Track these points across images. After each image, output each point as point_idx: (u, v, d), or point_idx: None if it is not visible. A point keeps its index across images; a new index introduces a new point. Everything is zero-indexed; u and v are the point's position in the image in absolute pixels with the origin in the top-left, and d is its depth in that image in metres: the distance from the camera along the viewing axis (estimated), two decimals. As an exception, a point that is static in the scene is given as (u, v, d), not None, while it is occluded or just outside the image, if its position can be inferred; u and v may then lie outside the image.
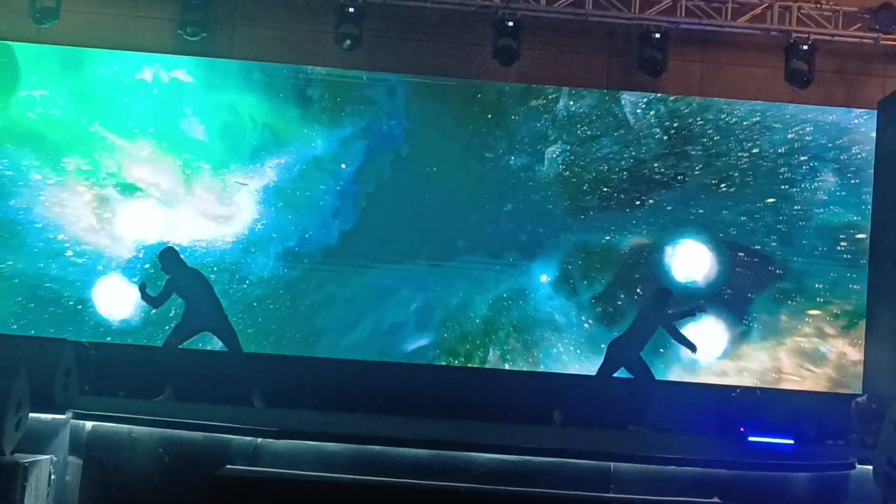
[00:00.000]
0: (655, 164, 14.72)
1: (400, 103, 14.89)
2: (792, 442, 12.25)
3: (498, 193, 14.78)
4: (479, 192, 14.74)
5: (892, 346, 12.81)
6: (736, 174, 14.65)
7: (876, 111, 14.08)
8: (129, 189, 14.54)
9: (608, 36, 14.20)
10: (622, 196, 14.69)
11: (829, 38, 13.86)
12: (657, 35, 13.67)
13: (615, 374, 13.01)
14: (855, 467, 9.40)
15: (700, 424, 12.88)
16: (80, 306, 14.25)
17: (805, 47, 13.65)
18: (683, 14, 13.77)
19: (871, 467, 8.78)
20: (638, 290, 14.64)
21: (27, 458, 8.27)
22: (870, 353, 13.63)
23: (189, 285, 12.59)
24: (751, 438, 12.43)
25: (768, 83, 14.17)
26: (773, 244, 14.63)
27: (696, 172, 14.66)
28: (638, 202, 14.72)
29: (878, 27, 13.72)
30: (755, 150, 14.70)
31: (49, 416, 8.80)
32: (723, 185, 14.66)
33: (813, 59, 13.67)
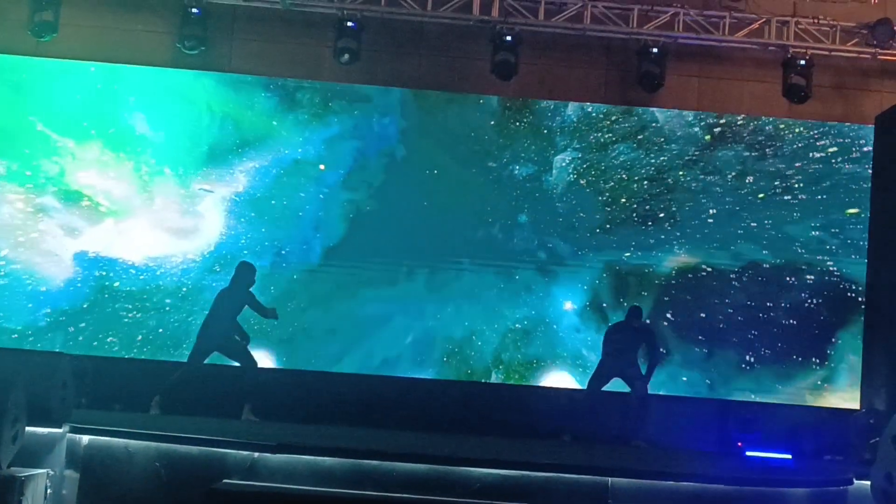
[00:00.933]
0: (688, 171, 13.68)
1: (395, 99, 14.08)
2: (790, 457, 12.24)
3: (510, 202, 13.79)
4: (487, 201, 13.79)
5: (890, 361, 12.79)
6: (801, 179, 13.56)
7: (873, 126, 14.08)
8: (72, 197, 13.58)
9: (606, 50, 14.22)
10: (659, 207, 13.71)
11: (826, 53, 13.91)
12: (655, 50, 13.70)
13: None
14: (853, 483, 9.36)
15: (698, 439, 12.85)
16: (14, 335, 13.09)
17: (803, 62, 13.69)
18: (681, 29, 13.80)
19: (868, 483, 8.75)
20: (672, 318, 13.31)
21: (24, 472, 8.23)
22: (867, 368, 13.60)
23: (230, 303, 12.14)
24: (749, 453, 12.42)
25: (766, 98, 14.20)
26: (857, 266, 13.24)
27: (749, 179, 13.68)
28: (674, 214, 13.67)
29: (875, 42, 13.78)
30: (832, 149, 13.72)
31: (46, 430, 8.78)
32: (783, 192, 13.46)
33: (810, 74, 13.71)
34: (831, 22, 13.84)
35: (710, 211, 13.84)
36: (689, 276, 13.75)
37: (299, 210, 13.71)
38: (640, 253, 13.76)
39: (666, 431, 12.85)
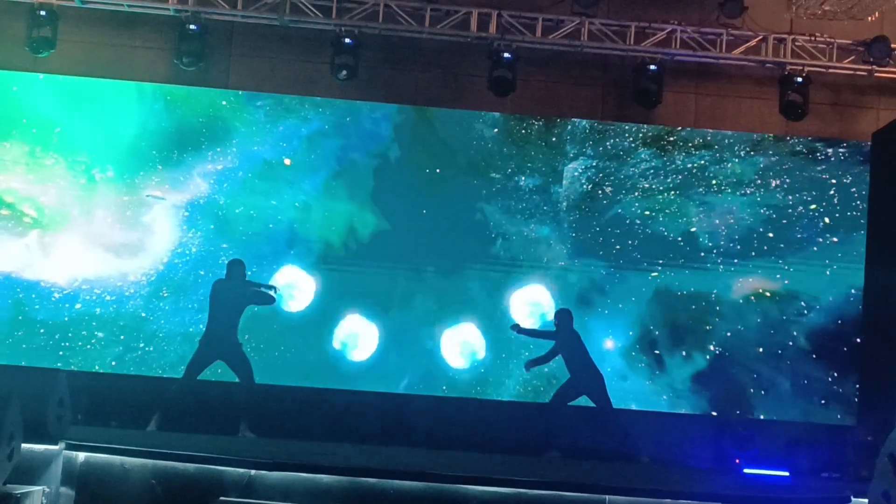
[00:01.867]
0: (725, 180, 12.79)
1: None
2: (787, 474, 12.21)
3: (527, 213, 12.97)
4: (499, 211, 12.97)
5: (887, 377, 12.78)
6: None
7: (870, 143, 14.10)
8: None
9: (603, 68, 14.24)
10: (723, 221, 12.94)
11: (823, 70, 13.93)
12: (652, 67, 13.71)
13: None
14: (850, 500, 9.38)
15: (695, 456, 12.81)
16: None
17: (799, 79, 13.71)
18: (678, 46, 13.82)
19: (866, 500, 8.75)
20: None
21: (19, 489, 8.23)
22: (864, 384, 13.59)
23: (230, 303, 11.67)
24: (746, 471, 12.40)
25: (763, 115, 14.21)
26: None
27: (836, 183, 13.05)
28: (717, 229, 12.79)
29: (871, 60, 13.81)
30: None
31: (42, 447, 8.77)
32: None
33: (807, 92, 13.73)
34: (828, 39, 13.86)
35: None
36: (756, 302, 12.79)
37: (270, 222, 12.59)
38: (724, 278, 12.82)
39: (663, 448, 12.81)
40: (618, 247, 13.07)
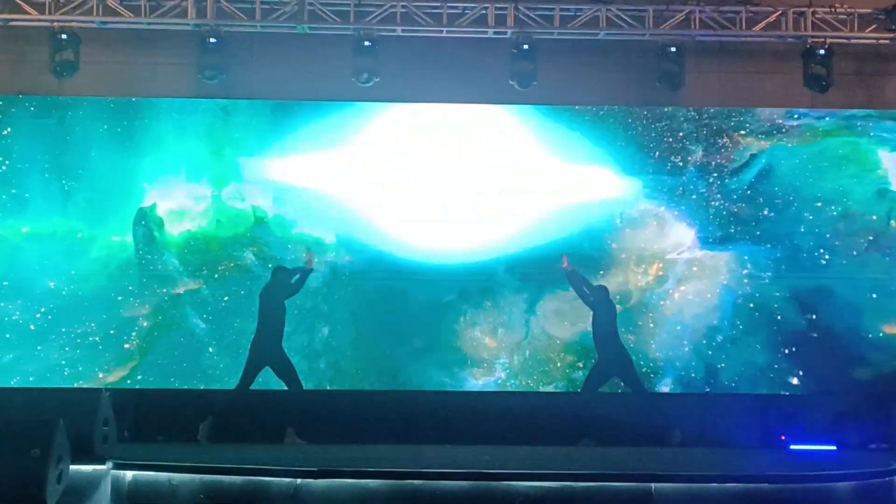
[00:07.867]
0: None
1: None
2: (835, 448, 12.16)
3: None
4: None
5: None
6: None
7: (898, 111, 14.04)
8: None
9: (624, 52, 14.20)
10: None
11: (845, 41, 13.84)
12: (673, 49, 13.68)
13: None
14: (899, 472, 9.36)
15: (741, 435, 12.76)
16: None
17: (822, 51, 13.64)
18: (697, 27, 13.78)
19: (915, 472, 8.74)
20: None
21: (71, 511, 8.34)
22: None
23: (276, 307, 12.17)
24: (792, 447, 12.35)
25: (787, 89, 14.14)
26: None
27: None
28: None
29: (894, 27, 13.70)
30: None
31: (90, 468, 8.85)
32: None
33: (831, 63, 13.65)
34: (848, 9, 13.78)
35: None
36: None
37: None
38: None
39: (709, 428, 12.76)
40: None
